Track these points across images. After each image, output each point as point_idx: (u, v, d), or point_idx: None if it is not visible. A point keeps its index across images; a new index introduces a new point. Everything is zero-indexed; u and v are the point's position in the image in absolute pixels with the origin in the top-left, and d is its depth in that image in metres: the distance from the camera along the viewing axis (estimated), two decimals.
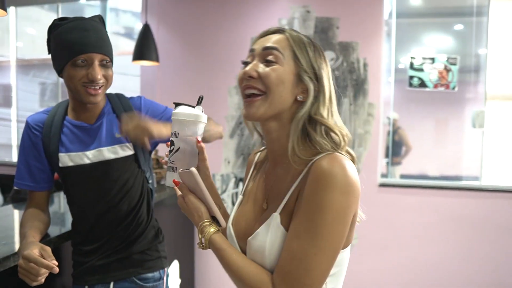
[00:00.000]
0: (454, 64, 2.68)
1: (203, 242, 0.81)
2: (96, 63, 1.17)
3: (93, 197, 1.30)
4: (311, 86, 0.78)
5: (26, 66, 3.74)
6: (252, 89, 0.79)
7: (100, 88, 1.20)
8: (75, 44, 1.16)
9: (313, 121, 0.79)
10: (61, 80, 1.33)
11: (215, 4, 2.91)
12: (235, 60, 2.86)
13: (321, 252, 0.70)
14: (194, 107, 0.90)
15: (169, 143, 0.89)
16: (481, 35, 3.17)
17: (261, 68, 0.78)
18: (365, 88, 2.70)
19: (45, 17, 3.63)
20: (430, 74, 2.67)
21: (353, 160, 0.81)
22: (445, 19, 3.81)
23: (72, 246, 1.39)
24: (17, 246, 1.21)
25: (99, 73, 1.17)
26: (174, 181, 0.86)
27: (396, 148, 4.06)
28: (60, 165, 1.27)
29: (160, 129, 1.19)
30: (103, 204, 1.30)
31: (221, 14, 2.90)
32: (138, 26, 3.58)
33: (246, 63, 0.83)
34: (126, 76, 3.60)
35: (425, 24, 3.71)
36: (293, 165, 0.78)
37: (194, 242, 2.96)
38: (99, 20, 1.26)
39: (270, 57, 0.78)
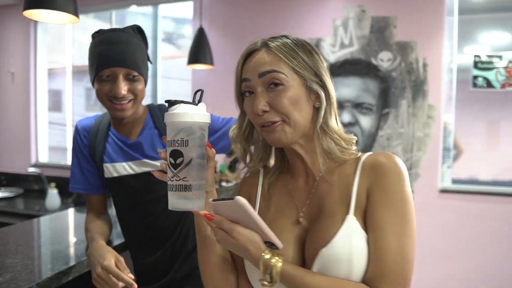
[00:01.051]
0: None
1: (272, 278, 0.69)
2: (121, 78, 1.13)
3: (137, 209, 1.28)
4: (321, 92, 0.75)
5: (80, 73, 3.86)
6: (272, 122, 0.75)
7: (128, 102, 1.15)
8: (99, 58, 1.13)
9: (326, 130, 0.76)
10: None
11: (266, 7, 2.89)
12: None
13: (412, 242, 0.70)
14: (194, 103, 0.73)
15: (164, 153, 0.74)
16: None
17: (270, 97, 0.74)
18: (424, 89, 2.58)
19: (93, 25, 3.74)
20: (497, 73, 2.51)
21: None
22: (506, 14, 3.60)
23: (132, 260, 1.38)
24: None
25: (122, 88, 1.12)
26: (205, 215, 0.71)
27: (446, 151, 3.88)
28: (105, 175, 1.27)
29: None
30: (147, 215, 1.28)
31: (273, 16, 2.87)
32: (184, 31, 3.61)
33: (247, 92, 0.79)
34: (171, 80, 3.63)
35: (486, 20, 3.52)
36: (334, 171, 0.78)
37: None
38: (134, 31, 1.21)
39: (272, 81, 0.74)
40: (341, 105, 2.68)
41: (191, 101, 0.74)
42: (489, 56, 2.54)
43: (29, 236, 1.50)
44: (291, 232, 0.78)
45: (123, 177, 1.25)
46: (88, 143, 1.28)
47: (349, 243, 0.70)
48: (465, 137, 3.94)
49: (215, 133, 1.31)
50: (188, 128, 0.71)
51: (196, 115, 0.71)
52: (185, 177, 0.70)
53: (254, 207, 0.86)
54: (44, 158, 3.86)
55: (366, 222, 0.72)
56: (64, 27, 3.75)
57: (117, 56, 1.12)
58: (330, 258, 0.70)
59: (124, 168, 1.25)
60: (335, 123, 0.77)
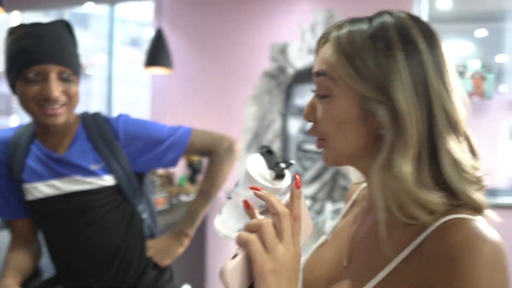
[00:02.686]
0: (490, 71, 2.47)
1: None
2: (53, 76, 0.94)
3: (67, 235, 1.08)
4: (382, 117, 0.50)
5: None
6: (315, 135, 0.59)
7: (61, 107, 0.97)
8: (25, 53, 0.93)
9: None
10: None
11: (231, 9, 2.74)
12: (252, 68, 2.68)
13: None
14: (272, 168, 0.62)
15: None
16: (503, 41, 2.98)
17: (318, 107, 0.57)
18: None
19: None
20: (464, 83, 2.47)
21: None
22: (467, 25, 3.63)
23: None
24: None
25: (55, 89, 0.94)
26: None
27: None
28: (25, 197, 1.06)
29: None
30: (79, 243, 1.08)
31: (238, 19, 2.72)
32: (145, 35, 3.43)
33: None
34: (129, 84, 3.43)
35: (452, 30, 3.54)
36: (403, 223, 0.51)
37: (206, 261, 2.75)
38: (62, 25, 1.03)
39: (321, 89, 0.55)
40: None
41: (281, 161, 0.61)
42: (456, 66, 2.49)
43: None
44: (328, 269, 0.63)
45: (48, 199, 1.05)
46: (6, 160, 1.06)
47: None
48: None
49: (161, 144, 1.13)
50: (246, 179, 0.61)
51: (258, 182, 0.59)
52: (221, 209, 0.68)
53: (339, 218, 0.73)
54: None
55: None
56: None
57: (48, 51, 0.94)
58: None
59: (49, 187, 1.05)
60: (408, 166, 0.48)
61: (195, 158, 2.52)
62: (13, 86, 0.98)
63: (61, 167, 1.05)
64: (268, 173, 0.61)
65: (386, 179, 0.50)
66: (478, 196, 0.50)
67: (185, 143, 1.15)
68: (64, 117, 0.99)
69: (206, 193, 1.19)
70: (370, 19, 0.54)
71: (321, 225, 2.53)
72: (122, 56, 3.38)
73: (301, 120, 2.57)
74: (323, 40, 0.57)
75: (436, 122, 0.49)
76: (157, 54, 2.40)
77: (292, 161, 0.61)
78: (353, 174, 0.70)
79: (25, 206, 1.10)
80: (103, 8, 3.25)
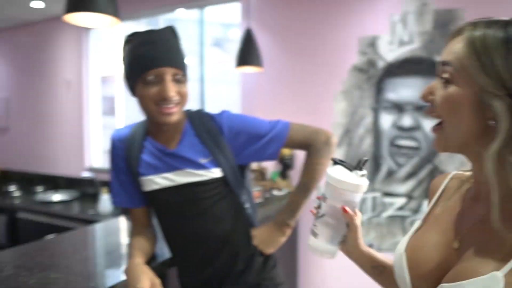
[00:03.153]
0: None
1: None
2: (168, 78, 1.04)
3: (180, 224, 1.18)
4: (498, 109, 0.55)
5: None
6: (433, 116, 0.66)
7: (175, 106, 1.06)
8: (143, 59, 1.03)
9: None
10: None
11: (317, 4, 2.73)
12: (341, 63, 2.65)
13: None
14: (354, 168, 0.77)
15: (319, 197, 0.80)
16: None
17: (437, 91, 0.64)
18: None
19: None
20: None
21: None
22: None
23: (177, 278, 1.29)
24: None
25: (171, 89, 1.04)
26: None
27: None
28: (142, 189, 1.18)
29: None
30: (191, 232, 1.17)
31: (324, 14, 2.71)
32: (230, 36, 3.55)
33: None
34: (219, 84, 3.58)
35: None
36: None
37: (298, 259, 2.79)
38: (170, 32, 1.12)
39: (444, 75, 0.62)
40: (401, 108, 2.47)
41: (356, 166, 0.77)
42: None
43: (73, 248, 1.46)
44: (439, 250, 0.68)
45: (162, 190, 1.16)
46: (124, 155, 1.19)
47: None
48: None
49: (262, 138, 1.18)
50: (332, 189, 0.76)
51: (343, 182, 0.75)
52: (316, 226, 0.79)
53: (428, 206, 0.81)
54: (98, 162, 3.95)
55: None
56: (115, 34, 3.82)
57: (163, 55, 1.04)
58: None
59: (163, 180, 1.16)
60: None
61: (287, 153, 2.57)
62: (132, 89, 1.10)
63: (173, 161, 1.15)
64: (354, 174, 0.75)
65: (503, 166, 0.56)
66: None
67: (284, 136, 1.19)
68: (177, 115, 1.09)
69: (306, 186, 1.23)
70: (506, 24, 0.58)
71: None
72: (209, 57, 3.55)
73: (394, 114, 2.49)
74: (455, 33, 0.63)
75: None
76: (247, 53, 2.48)
77: (366, 158, 0.75)
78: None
79: (142, 196, 1.23)
80: (191, 13, 3.43)
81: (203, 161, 1.15)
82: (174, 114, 1.08)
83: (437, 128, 0.66)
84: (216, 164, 1.15)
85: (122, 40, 1.14)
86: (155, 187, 1.16)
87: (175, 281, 1.32)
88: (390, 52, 2.51)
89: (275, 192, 2.48)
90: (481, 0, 2.30)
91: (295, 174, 2.80)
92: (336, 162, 0.78)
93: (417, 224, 0.78)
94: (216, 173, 1.15)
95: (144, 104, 1.08)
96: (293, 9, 2.82)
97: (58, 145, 4.13)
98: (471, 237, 0.64)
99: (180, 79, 1.08)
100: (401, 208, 2.48)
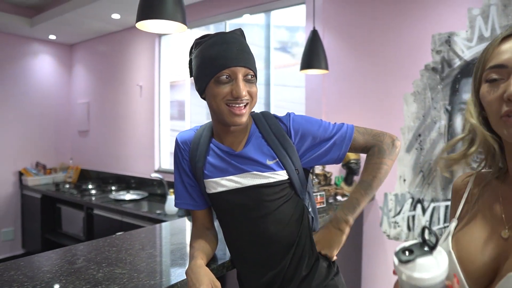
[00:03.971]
0: None
1: None
2: (240, 77, 1.04)
3: (244, 226, 1.16)
4: None
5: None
6: None
7: (245, 106, 1.05)
8: (216, 59, 1.03)
9: None
10: None
11: (386, 1, 2.60)
12: (412, 62, 2.49)
13: None
14: (429, 247, 0.62)
15: None
16: None
17: None
18: None
19: None
20: None
21: None
22: None
23: (238, 281, 1.27)
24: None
25: (243, 88, 1.03)
26: None
27: None
28: (207, 191, 1.17)
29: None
30: (255, 235, 1.14)
31: (393, 11, 2.57)
32: (296, 39, 3.51)
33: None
34: (285, 87, 3.56)
35: None
36: None
37: (361, 266, 2.67)
38: (240, 33, 1.13)
39: None
40: None
41: (422, 241, 0.64)
42: None
43: (138, 245, 1.52)
44: (487, 243, 0.72)
45: (227, 192, 1.15)
46: (189, 157, 1.20)
47: None
48: None
49: (327, 141, 1.16)
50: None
51: (439, 277, 0.61)
52: None
53: (456, 211, 0.84)
54: (166, 164, 4.12)
55: None
56: (184, 41, 3.97)
57: (236, 55, 1.05)
58: None
59: (229, 182, 1.15)
60: None
61: (352, 157, 2.47)
62: (203, 89, 1.10)
63: (240, 163, 1.14)
64: (433, 256, 0.61)
65: None
66: None
67: (349, 139, 1.16)
68: (246, 116, 1.09)
69: (367, 184, 1.17)
70: None
71: None
72: (274, 61, 3.54)
73: None
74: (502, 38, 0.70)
75: None
76: (312, 55, 2.43)
77: (426, 225, 0.66)
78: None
79: (204, 198, 1.23)
80: (257, 17, 3.45)
81: (269, 162, 1.13)
82: (244, 115, 1.07)
83: None
84: (282, 166, 1.14)
85: (192, 43, 1.16)
86: (220, 189, 1.16)
87: (235, 283, 1.31)
88: (467, 50, 2.31)
89: (339, 198, 2.39)
90: None
91: None
92: (402, 257, 0.62)
93: (453, 224, 0.81)
94: (282, 175, 1.14)
95: (215, 104, 1.07)
96: (359, 7, 2.72)
97: (130, 147, 4.38)
98: None
99: (251, 80, 1.08)
100: None
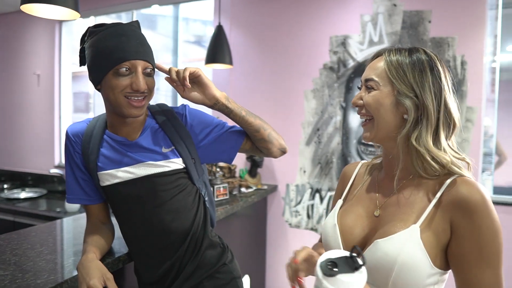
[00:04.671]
0: None
1: None
2: (140, 70, 1.04)
3: (139, 217, 1.16)
4: (409, 106, 0.83)
5: None
6: (363, 115, 0.91)
7: (143, 99, 1.06)
8: (116, 50, 1.02)
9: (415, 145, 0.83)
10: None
11: (289, 3, 2.74)
12: (312, 61, 2.66)
13: (500, 278, 0.77)
14: (355, 266, 0.67)
15: None
16: None
17: (364, 97, 0.89)
18: (462, 90, 2.35)
19: None
20: None
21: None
22: None
23: (135, 274, 1.27)
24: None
25: (143, 82, 1.04)
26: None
27: (486, 157, 3.59)
28: (100, 183, 1.15)
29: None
30: (151, 225, 1.15)
31: (297, 13, 2.72)
32: (208, 33, 3.53)
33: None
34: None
35: None
36: (421, 182, 0.86)
37: (265, 254, 2.79)
38: (138, 26, 1.14)
39: (369, 85, 0.89)
40: None
41: (349, 257, 0.68)
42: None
43: (26, 244, 1.42)
44: (363, 220, 0.92)
45: (121, 184, 1.14)
46: (81, 150, 1.16)
47: (401, 245, 0.78)
48: (509, 142, 3.63)
49: (219, 129, 1.23)
50: None
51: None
52: None
53: (343, 192, 1.05)
54: None
55: (450, 256, 0.80)
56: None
57: (135, 48, 1.04)
58: (381, 249, 0.80)
59: (123, 173, 1.13)
60: (426, 139, 0.83)
61: None
62: (99, 81, 1.07)
63: (134, 153, 1.13)
64: (359, 272, 0.66)
65: (411, 147, 0.84)
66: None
67: (242, 138, 1.24)
68: (144, 108, 1.09)
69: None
70: (410, 51, 0.88)
71: None
72: (186, 55, 3.51)
73: None
74: (374, 56, 0.92)
75: (441, 114, 0.84)
76: (218, 50, 2.47)
77: (357, 247, 0.69)
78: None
79: (98, 192, 1.20)
80: (169, 9, 3.40)
81: (165, 150, 1.15)
82: (143, 108, 1.08)
83: (365, 123, 0.91)
84: (178, 154, 1.16)
85: (85, 31, 1.11)
86: (114, 181, 1.14)
87: (132, 277, 1.29)
88: (360, 52, 2.53)
89: (243, 189, 2.47)
90: (446, 3, 2.35)
91: (264, 172, 2.80)
92: (326, 270, 0.66)
93: (339, 203, 1.01)
94: (177, 163, 1.15)
95: (113, 96, 1.05)
96: (265, 7, 2.82)
97: (26, 141, 4.01)
98: (388, 206, 0.89)
99: (150, 73, 1.08)
100: None
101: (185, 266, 1.17)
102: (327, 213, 2.63)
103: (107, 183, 1.15)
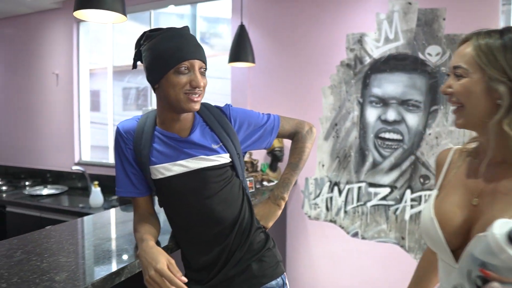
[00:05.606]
0: None
1: None
2: (197, 69, 1.16)
3: (191, 208, 1.25)
4: (503, 91, 0.80)
5: (118, 73, 3.93)
6: (454, 103, 0.90)
7: (199, 96, 1.18)
8: (177, 51, 1.14)
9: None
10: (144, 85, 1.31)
11: (307, 2, 2.82)
12: (329, 58, 2.75)
13: None
14: None
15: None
16: None
17: (453, 85, 0.89)
18: None
19: (131, 26, 3.77)
20: None
21: None
22: None
23: (182, 261, 1.36)
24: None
25: (201, 79, 1.16)
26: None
27: None
28: (152, 177, 1.25)
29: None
30: (202, 215, 1.25)
31: (314, 12, 2.80)
32: (219, 30, 3.60)
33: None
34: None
35: None
36: None
37: (286, 245, 2.89)
38: (188, 30, 1.26)
39: (458, 72, 0.87)
40: (386, 103, 2.58)
41: None
42: None
43: (79, 235, 1.52)
44: (461, 209, 0.89)
45: (175, 176, 1.23)
46: (133, 146, 1.26)
47: None
48: None
49: (260, 128, 1.37)
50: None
51: None
52: None
53: (438, 179, 1.03)
54: (86, 156, 3.96)
55: None
56: (104, 28, 3.83)
57: (193, 49, 1.16)
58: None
59: (177, 166, 1.23)
60: None
61: (276, 145, 2.66)
62: (158, 80, 1.17)
63: (187, 148, 1.23)
64: None
65: (502, 132, 0.80)
66: None
67: (277, 127, 1.39)
68: (200, 103, 1.20)
69: (295, 165, 1.46)
70: (501, 32, 0.84)
71: (399, 212, 2.55)
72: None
73: (379, 108, 2.60)
74: (462, 42, 0.90)
75: None
76: (241, 49, 2.56)
77: None
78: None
79: (147, 185, 1.30)
80: (180, 8, 3.47)
81: (214, 146, 1.25)
82: (199, 103, 1.19)
83: (456, 110, 0.90)
84: (225, 149, 1.27)
85: (141, 35, 1.22)
86: (168, 174, 1.23)
87: (179, 263, 1.38)
88: (376, 49, 2.62)
89: (265, 183, 2.56)
90: (460, 0, 2.43)
91: (284, 166, 2.89)
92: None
93: (434, 193, 1.00)
94: (225, 158, 1.26)
95: (174, 93, 1.15)
96: (283, 5, 2.90)
97: (46, 139, 4.11)
98: (486, 194, 0.87)
99: (203, 72, 1.20)
100: (385, 197, 2.60)
101: (234, 252, 1.26)
102: (345, 206, 2.73)
103: (160, 176, 1.24)
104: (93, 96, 4.07)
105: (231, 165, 1.29)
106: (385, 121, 2.59)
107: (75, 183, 3.87)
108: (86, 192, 3.60)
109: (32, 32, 4.12)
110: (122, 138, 1.27)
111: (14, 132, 4.34)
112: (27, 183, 3.98)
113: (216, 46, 3.73)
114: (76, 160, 3.91)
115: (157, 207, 1.40)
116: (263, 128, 1.36)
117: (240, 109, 1.36)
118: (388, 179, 2.59)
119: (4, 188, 3.81)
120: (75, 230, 1.57)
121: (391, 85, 2.57)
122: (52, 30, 3.98)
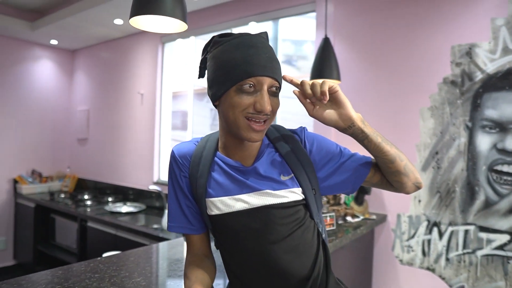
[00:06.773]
0: None
1: None
2: (265, 89, 0.88)
3: (251, 254, 0.97)
4: None
5: (200, 94, 3.89)
6: None
7: (264, 122, 0.90)
8: (242, 64, 0.88)
9: None
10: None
11: (400, 11, 2.46)
12: (429, 75, 2.33)
13: None
14: None
15: None
16: None
17: None
18: None
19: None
20: None
21: None
22: None
23: None
24: None
25: (268, 102, 0.87)
26: None
27: None
28: (208, 211, 0.99)
29: None
30: (264, 264, 0.96)
31: (411, 20, 2.42)
32: (302, 51, 3.38)
33: None
34: (291, 100, 3.40)
35: None
36: None
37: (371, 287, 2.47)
38: (267, 37, 0.98)
39: None
40: (504, 128, 2.08)
41: None
42: None
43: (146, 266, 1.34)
44: None
45: (233, 214, 0.97)
46: (189, 173, 1.03)
47: None
48: None
49: (342, 165, 1.03)
50: None
51: None
52: None
53: None
54: (165, 176, 3.95)
55: None
56: (187, 48, 3.84)
57: (264, 63, 0.89)
58: None
59: (236, 201, 0.97)
60: None
61: None
62: (219, 96, 0.93)
63: (250, 180, 0.97)
64: None
65: None
66: None
67: (366, 174, 1.03)
68: (264, 133, 0.93)
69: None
70: None
71: None
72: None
73: (494, 134, 2.11)
74: None
75: None
76: (325, 65, 2.27)
77: None
78: None
79: (203, 221, 1.06)
80: (263, 27, 3.32)
81: (284, 178, 0.98)
82: (263, 132, 0.92)
83: None
84: (298, 182, 0.99)
85: (209, 40, 0.99)
86: (225, 210, 0.98)
87: None
88: (490, 62, 2.15)
89: (349, 219, 2.20)
90: None
91: (371, 200, 2.50)
92: None
93: None
94: (297, 193, 0.98)
95: (232, 115, 0.91)
96: (371, 17, 2.57)
97: (130, 157, 4.22)
98: None
99: (275, 92, 0.92)
100: (502, 247, 2.07)
101: None
102: (447, 252, 2.24)
103: (216, 212, 0.99)
104: (182, 116, 4.10)
105: (304, 203, 1.00)
106: (503, 151, 2.08)
107: (153, 202, 3.87)
108: (162, 212, 3.56)
109: (122, 55, 4.31)
110: (176, 164, 1.05)
111: (104, 149, 4.54)
112: (110, 199, 4.09)
113: (303, 68, 3.53)
114: (155, 179, 3.92)
115: (213, 247, 1.16)
116: (346, 157, 1.02)
117: (319, 135, 1.06)
118: (507, 223, 2.06)
119: (89, 202, 3.95)
120: (124, 265, 1.40)
121: (511, 106, 2.07)
122: (139, 52, 4.12)
